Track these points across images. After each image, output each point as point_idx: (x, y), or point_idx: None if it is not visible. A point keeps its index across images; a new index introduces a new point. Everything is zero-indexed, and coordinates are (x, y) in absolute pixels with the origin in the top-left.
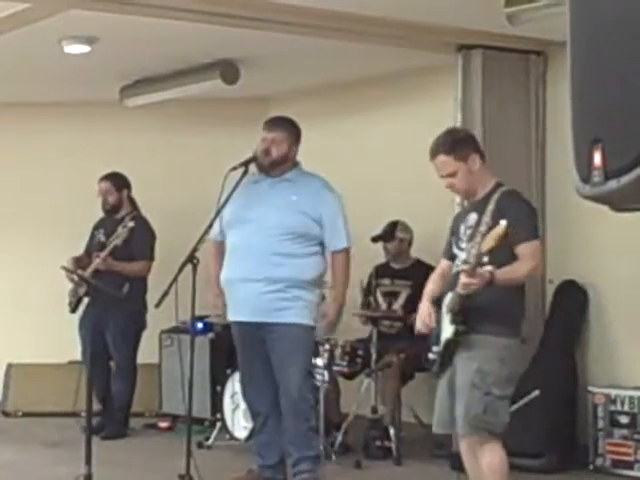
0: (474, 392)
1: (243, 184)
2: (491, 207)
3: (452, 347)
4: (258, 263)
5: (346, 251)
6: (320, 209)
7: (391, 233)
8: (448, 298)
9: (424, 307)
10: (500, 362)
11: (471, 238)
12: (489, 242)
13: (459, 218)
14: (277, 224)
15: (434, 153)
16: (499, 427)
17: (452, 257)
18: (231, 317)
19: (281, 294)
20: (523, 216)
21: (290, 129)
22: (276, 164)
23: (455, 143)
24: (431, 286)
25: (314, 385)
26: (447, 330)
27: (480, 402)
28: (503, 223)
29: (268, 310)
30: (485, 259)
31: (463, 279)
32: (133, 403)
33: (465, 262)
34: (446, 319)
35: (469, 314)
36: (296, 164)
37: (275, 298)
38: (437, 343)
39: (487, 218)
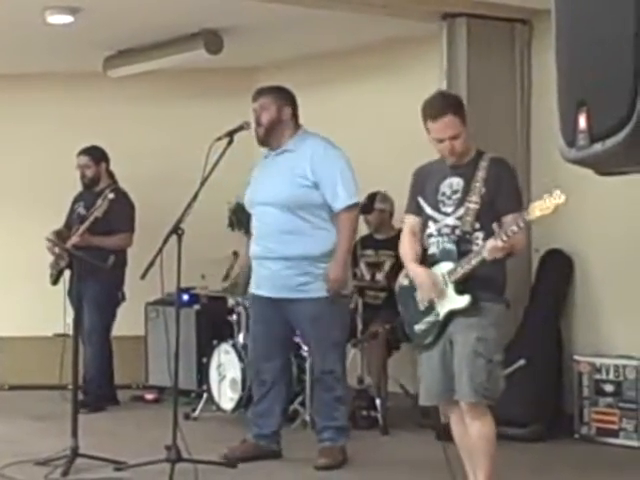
0: (478, 360)
1: (259, 162)
2: (481, 174)
3: (451, 317)
4: (269, 242)
5: (348, 209)
6: (315, 173)
7: (370, 205)
8: (447, 267)
9: (425, 275)
10: (495, 328)
11: (460, 203)
12: (544, 210)
13: (430, 179)
14: (279, 200)
15: (441, 113)
16: (498, 393)
17: (420, 214)
18: (253, 290)
19: (295, 271)
20: (514, 185)
21: (275, 92)
22: (270, 131)
23: (459, 104)
24: (409, 248)
25: (342, 356)
26: (453, 300)
27: (483, 370)
28: (560, 194)
29: (285, 288)
30: (477, 225)
31: (500, 243)
32: (119, 375)
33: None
34: (447, 289)
35: (469, 282)
36: (298, 128)
37: (290, 275)
38: (428, 315)
39: (478, 184)
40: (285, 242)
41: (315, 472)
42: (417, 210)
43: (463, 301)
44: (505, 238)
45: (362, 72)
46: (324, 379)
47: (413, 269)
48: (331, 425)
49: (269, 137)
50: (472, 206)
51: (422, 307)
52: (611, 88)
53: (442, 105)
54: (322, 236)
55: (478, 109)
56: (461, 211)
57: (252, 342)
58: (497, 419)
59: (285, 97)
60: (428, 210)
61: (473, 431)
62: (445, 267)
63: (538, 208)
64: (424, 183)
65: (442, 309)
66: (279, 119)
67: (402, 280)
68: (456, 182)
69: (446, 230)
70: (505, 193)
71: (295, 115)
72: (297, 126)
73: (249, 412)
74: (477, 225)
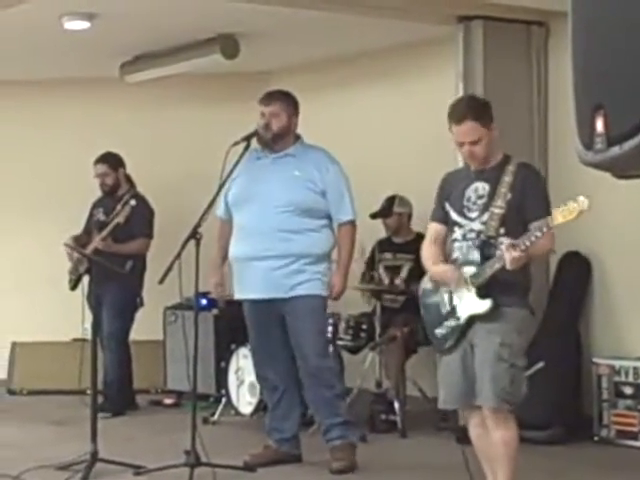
0: (500, 365)
1: (246, 162)
2: (507, 179)
3: (472, 322)
4: (266, 240)
5: (352, 223)
6: (324, 182)
7: (389, 209)
8: (469, 272)
9: (441, 266)
10: (518, 333)
11: (486, 208)
12: (567, 216)
13: (457, 184)
14: (282, 200)
15: (461, 118)
16: (520, 398)
17: (446, 221)
18: (242, 295)
19: (291, 269)
20: (542, 191)
21: (287, 100)
22: (278, 137)
23: (482, 109)
24: (430, 253)
25: (334, 352)
26: (475, 305)
27: (506, 375)
28: (584, 200)
29: (280, 286)
30: (502, 231)
31: (515, 254)
32: (138, 380)
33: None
34: (469, 293)
35: (491, 287)
36: (298, 137)
37: (286, 274)
38: (448, 319)
39: (504, 189)
40: (286, 240)
41: (333, 476)
42: (441, 218)
43: (484, 306)
44: (528, 243)
45: (377, 76)
46: (323, 376)
47: (435, 269)
48: (338, 422)
49: (275, 143)
50: (497, 211)
51: (443, 311)
52: (628, 91)
53: (463, 110)
54: (320, 238)
55: (494, 112)
56: (486, 216)
57: (253, 350)
58: (517, 422)
59: (295, 107)
60: (453, 215)
61: (496, 436)
62: (468, 271)
63: (561, 215)
64: (451, 189)
65: (463, 313)
66: (289, 128)
67: (425, 284)
68: (482, 187)
69: (471, 235)
70: (533, 199)
71: (297, 124)
72: (296, 135)
73: (266, 419)
74: (502, 230)
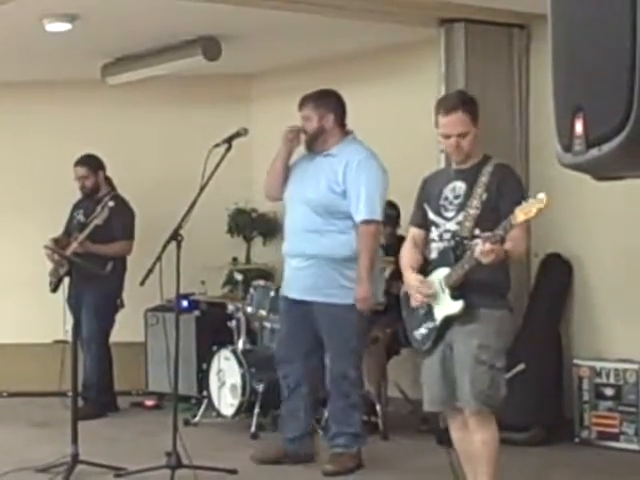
0: (478, 368)
1: (298, 160)
2: (484, 179)
3: (449, 323)
4: (294, 240)
5: (366, 223)
6: (345, 182)
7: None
8: (443, 273)
9: (413, 278)
10: (497, 334)
11: (461, 208)
12: (527, 213)
13: (436, 184)
14: (308, 200)
15: (453, 108)
16: (500, 400)
17: (425, 225)
18: (283, 291)
19: (314, 271)
20: (519, 192)
21: (316, 102)
22: (313, 139)
23: (474, 104)
24: (408, 257)
25: (359, 363)
26: (448, 306)
27: (485, 377)
28: (543, 197)
29: (307, 289)
30: (476, 231)
31: (488, 246)
32: (119, 382)
33: (473, 233)
34: (444, 295)
35: (466, 288)
36: (347, 134)
37: (309, 275)
38: (426, 320)
39: (480, 190)
40: (307, 240)
41: (319, 477)
42: (420, 222)
43: (456, 306)
44: (494, 241)
45: (360, 78)
46: (340, 384)
47: (406, 276)
48: (346, 431)
49: (313, 144)
50: (472, 211)
51: (422, 312)
52: (607, 93)
53: (455, 101)
54: (345, 240)
55: None
56: (461, 216)
57: (276, 344)
58: (498, 424)
59: (327, 105)
60: (431, 215)
61: (477, 438)
62: (442, 273)
63: (522, 212)
64: (430, 189)
65: (438, 315)
66: (322, 128)
67: (405, 287)
68: (459, 186)
69: (446, 236)
70: (509, 199)
71: (339, 120)
72: (344, 131)
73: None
74: (476, 231)
